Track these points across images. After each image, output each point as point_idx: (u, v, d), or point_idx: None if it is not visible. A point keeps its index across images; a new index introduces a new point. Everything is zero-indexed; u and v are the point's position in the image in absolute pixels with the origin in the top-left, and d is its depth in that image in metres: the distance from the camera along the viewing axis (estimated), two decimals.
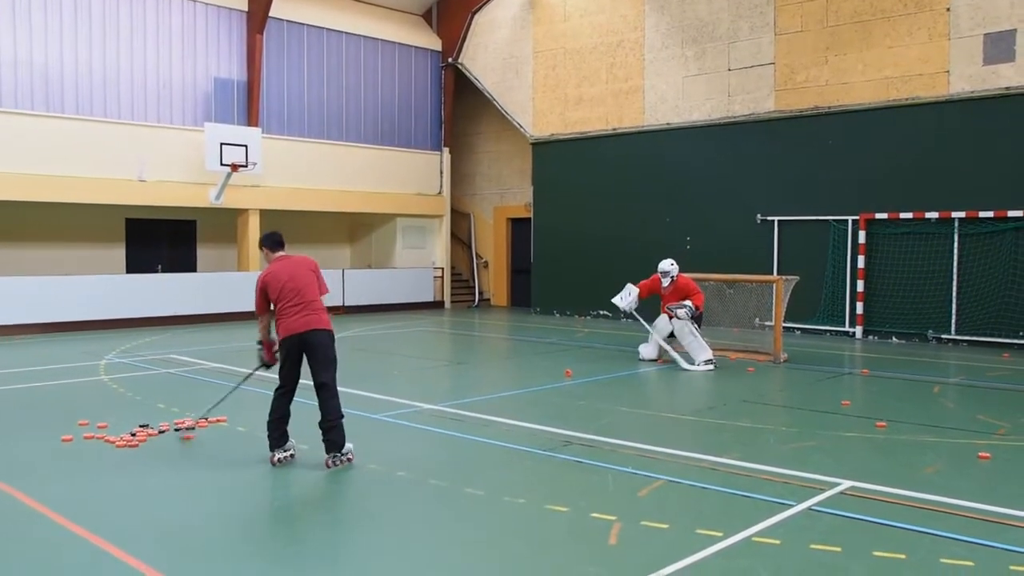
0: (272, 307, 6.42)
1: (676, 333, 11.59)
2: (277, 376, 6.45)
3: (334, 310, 19.57)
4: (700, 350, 11.38)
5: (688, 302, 11.53)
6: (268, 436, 6.36)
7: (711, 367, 11.25)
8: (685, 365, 11.28)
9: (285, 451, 6.36)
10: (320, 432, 6.25)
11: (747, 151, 16.42)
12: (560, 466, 6.39)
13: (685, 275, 11.96)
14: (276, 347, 6.52)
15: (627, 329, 16.29)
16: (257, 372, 7.03)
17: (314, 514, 5.39)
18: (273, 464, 6.26)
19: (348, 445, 6.29)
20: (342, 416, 6.29)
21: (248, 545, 4.80)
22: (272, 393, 6.44)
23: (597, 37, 18.66)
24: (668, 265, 11.77)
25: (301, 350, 6.31)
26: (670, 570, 4.25)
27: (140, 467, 6.27)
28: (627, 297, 11.86)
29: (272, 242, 6.70)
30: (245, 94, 18.38)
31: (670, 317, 11.64)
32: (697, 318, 11.59)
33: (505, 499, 5.53)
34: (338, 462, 6.21)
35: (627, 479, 5.95)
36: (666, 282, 11.72)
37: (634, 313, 11.98)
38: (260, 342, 6.67)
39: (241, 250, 18.82)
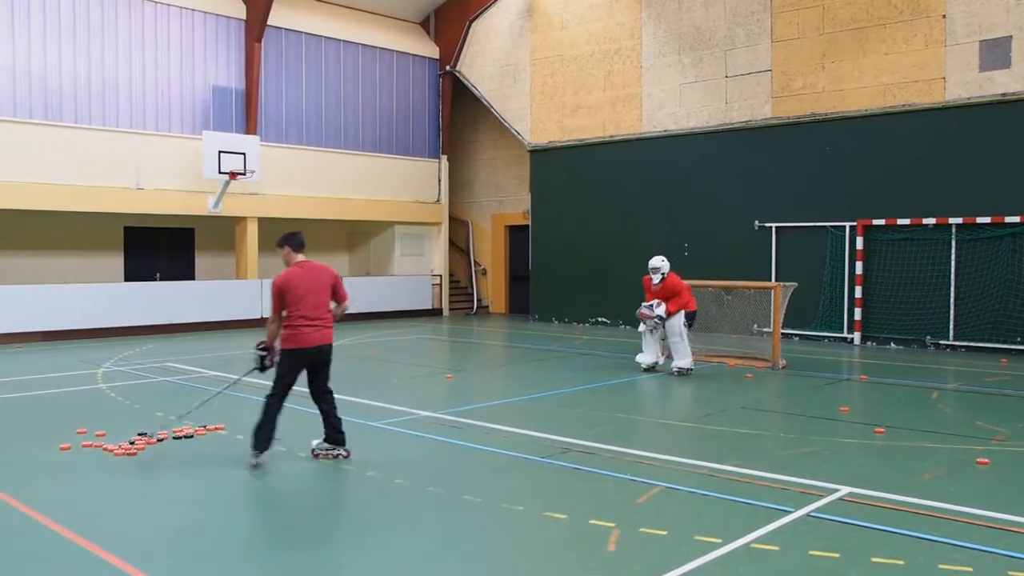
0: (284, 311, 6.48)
1: (666, 329, 11.26)
2: (275, 382, 6.52)
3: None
4: (682, 355, 11.17)
5: (663, 304, 11.15)
6: (260, 439, 6.39)
7: (686, 374, 11.09)
8: (676, 364, 11.19)
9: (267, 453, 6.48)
10: (327, 432, 6.67)
11: (744, 158, 16.45)
12: (559, 473, 6.38)
13: (677, 275, 11.53)
14: (278, 358, 6.58)
15: (625, 336, 16.30)
16: (246, 376, 7.18)
17: (313, 522, 5.38)
18: (254, 467, 6.34)
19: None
20: None
21: (247, 553, 4.79)
22: (268, 400, 6.48)
23: (594, 45, 18.71)
24: (659, 261, 11.36)
25: (310, 363, 6.52)
26: None
27: (138, 475, 6.27)
28: (655, 308, 11.23)
29: (296, 243, 6.70)
30: (243, 102, 18.41)
31: (643, 318, 11.29)
32: (689, 317, 11.32)
33: (504, 506, 5.53)
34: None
35: (626, 486, 5.95)
36: (656, 279, 11.32)
37: (657, 324, 11.32)
38: (264, 347, 6.62)
39: (239, 258, 18.82)
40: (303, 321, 6.41)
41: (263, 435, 6.38)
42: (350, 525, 5.31)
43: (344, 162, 20.17)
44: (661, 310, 11.18)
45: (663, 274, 11.31)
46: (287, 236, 6.73)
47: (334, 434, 6.64)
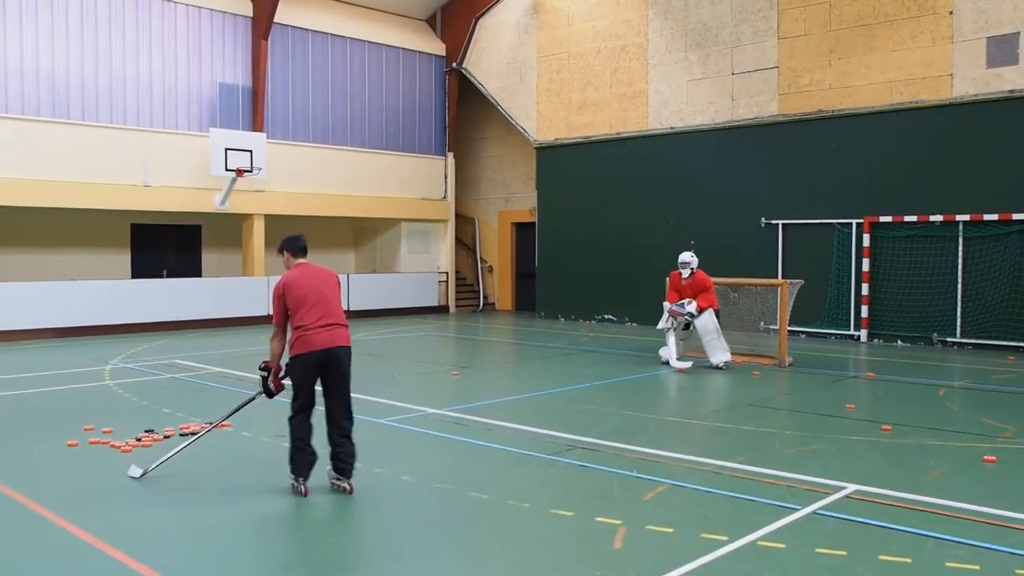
0: (288, 317, 5.75)
1: (699, 328, 11.38)
2: (292, 398, 5.75)
3: None
4: (721, 350, 11.32)
5: (694, 302, 11.36)
6: (294, 465, 5.69)
7: (726, 368, 11.26)
8: (675, 364, 11.34)
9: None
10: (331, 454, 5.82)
11: (751, 155, 16.42)
12: (565, 470, 6.39)
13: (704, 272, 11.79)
14: (283, 373, 5.85)
15: (631, 333, 16.30)
16: (254, 400, 6.19)
17: (320, 519, 5.39)
18: (305, 494, 5.62)
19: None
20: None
21: (255, 550, 4.81)
22: (290, 421, 5.73)
23: (601, 42, 18.69)
24: (689, 256, 11.54)
25: (323, 367, 5.66)
26: (675, 574, 4.26)
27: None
28: (686, 307, 11.29)
29: (295, 248, 5.97)
30: (250, 99, 18.43)
31: (672, 316, 11.44)
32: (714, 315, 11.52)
33: (510, 503, 5.54)
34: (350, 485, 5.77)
35: (632, 483, 5.95)
36: (686, 273, 11.49)
37: (687, 321, 11.42)
38: (266, 367, 5.86)
39: (246, 255, 18.86)
40: (313, 319, 5.62)
41: (296, 461, 5.69)
42: (355, 521, 5.32)
43: (350, 159, 20.19)
44: (692, 307, 11.32)
45: (692, 269, 11.51)
46: (286, 240, 6.01)
47: (338, 463, 5.77)
